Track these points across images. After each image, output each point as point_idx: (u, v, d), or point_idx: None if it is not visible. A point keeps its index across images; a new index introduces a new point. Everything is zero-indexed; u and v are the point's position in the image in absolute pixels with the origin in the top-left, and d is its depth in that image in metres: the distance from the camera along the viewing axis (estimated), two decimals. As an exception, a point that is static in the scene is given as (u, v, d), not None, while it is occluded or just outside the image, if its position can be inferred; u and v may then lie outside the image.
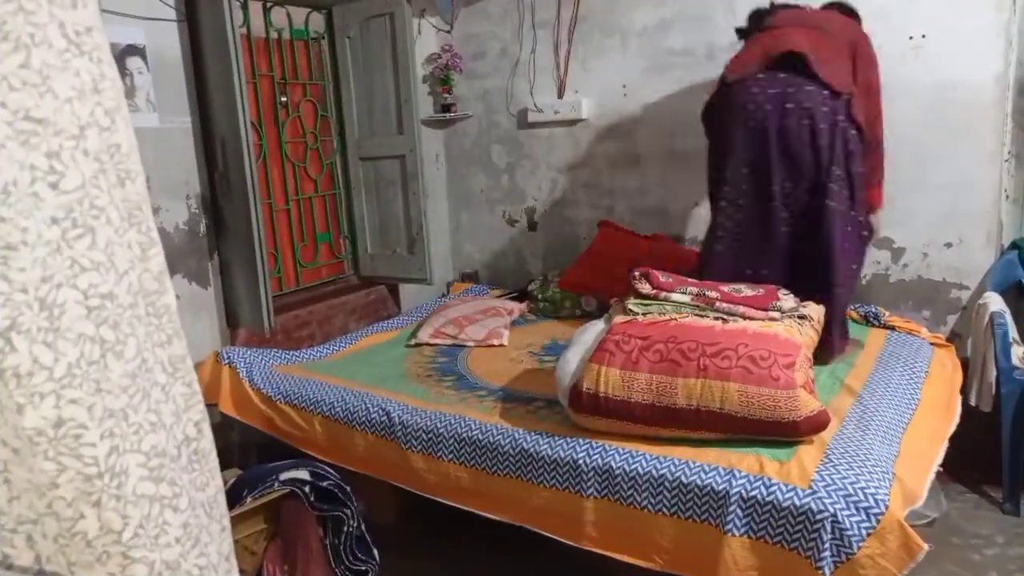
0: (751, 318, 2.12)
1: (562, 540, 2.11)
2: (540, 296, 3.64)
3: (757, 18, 2.73)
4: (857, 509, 1.72)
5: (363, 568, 2.34)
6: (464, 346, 3.16)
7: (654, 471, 1.95)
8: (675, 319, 2.14)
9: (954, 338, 2.97)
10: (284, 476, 2.25)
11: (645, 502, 1.95)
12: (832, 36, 2.55)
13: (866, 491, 1.74)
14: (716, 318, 2.13)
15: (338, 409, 2.59)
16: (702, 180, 3.57)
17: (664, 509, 1.93)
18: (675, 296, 2.22)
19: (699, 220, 3.58)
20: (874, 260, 3.21)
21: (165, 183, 2.92)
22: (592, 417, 2.11)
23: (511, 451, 2.18)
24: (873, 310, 3.03)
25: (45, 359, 0.88)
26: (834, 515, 1.71)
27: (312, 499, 2.24)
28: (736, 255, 2.53)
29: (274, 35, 3.58)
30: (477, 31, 4.05)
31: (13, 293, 0.85)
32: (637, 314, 2.20)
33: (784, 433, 1.94)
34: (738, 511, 1.83)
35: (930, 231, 3.07)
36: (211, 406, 2.59)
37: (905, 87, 3.02)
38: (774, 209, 2.45)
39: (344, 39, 3.79)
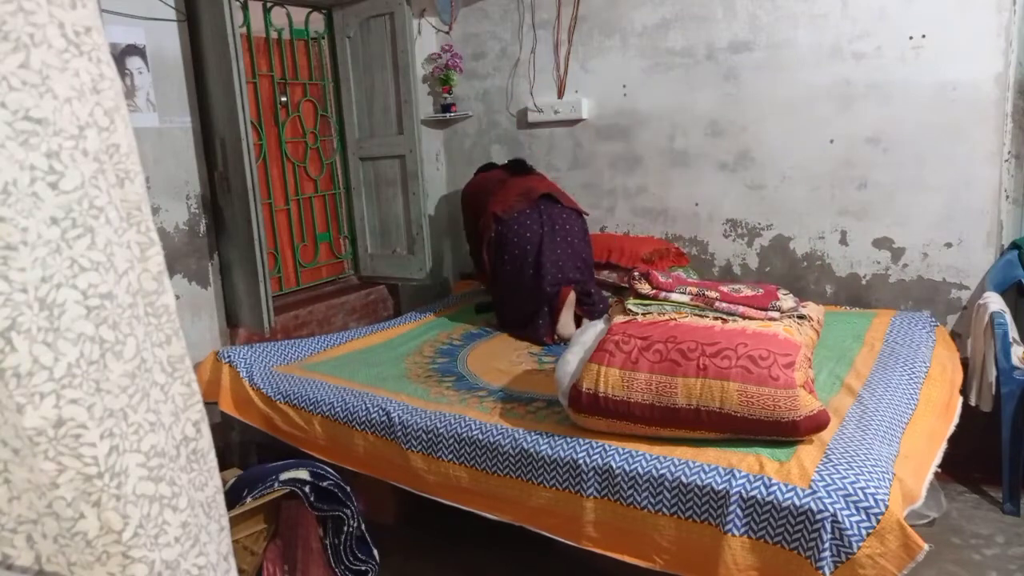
0: (750, 318, 2.13)
1: (562, 540, 2.11)
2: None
3: (516, 166, 3.60)
4: (857, 509, 1.72)
5: (363, 568, 2.34)
6: (466, 346, 3.16)
7: (654, 471, 1.95)
8: (675, 319, 2.14)
9: (954, 338, 2.97)
10: (284, 476, 2.25)
11: (645, 502, 1.95)
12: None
13: (866, 491, 1.74)
14: (715, 318, 2.14)
15: (338, 409, 2.59)
16: (702, 180, 3.59)
17: (664, 509, 1.93)
18: (674, 296, 2.23)
19: (699, 220, 3.59)
20: (874, 260, 3.21)
21: (165, 183, 2.92)
22: (592, 417, 2.11)
23: (511, 451, 2.18)
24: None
25: (45, 359, 0.88)
26: (834, 515, 1.71)
27: (312, 499, 2.24)
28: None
29: (274, 35, 3.58)
30: (477, 31, 4.05)
31: (13, 293, 0.85)
32: (637, 314, 2.20)
33: (784, 433, 1.94)
34: (738, 511, 1.83)
35: (930, 231, 3.07)
36: (211, 405, 2.60)
37: (905, 87, 3.02)
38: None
39: (344, 39, 3.79)
